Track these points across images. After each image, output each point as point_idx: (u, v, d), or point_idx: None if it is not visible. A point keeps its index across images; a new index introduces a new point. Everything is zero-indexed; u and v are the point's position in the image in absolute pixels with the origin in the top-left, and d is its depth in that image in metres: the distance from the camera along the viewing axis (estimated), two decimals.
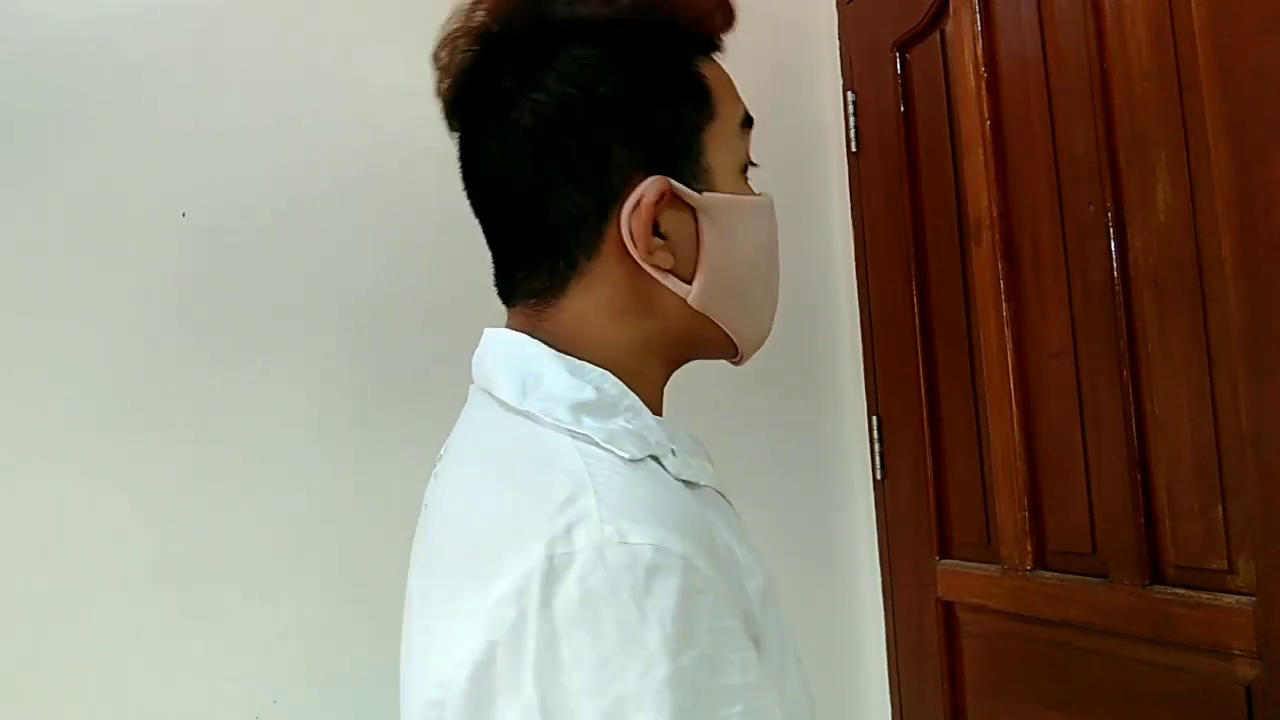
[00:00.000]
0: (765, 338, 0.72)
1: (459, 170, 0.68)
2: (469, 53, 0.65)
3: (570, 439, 0.57)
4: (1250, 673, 0.99)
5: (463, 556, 0.56)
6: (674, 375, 0.70)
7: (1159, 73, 1.09)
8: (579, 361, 0.63)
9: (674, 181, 0.62)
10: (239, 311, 1.42)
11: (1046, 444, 1.28)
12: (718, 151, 0.65)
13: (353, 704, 1.36)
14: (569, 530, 0.51)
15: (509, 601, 0.50)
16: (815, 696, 0.63)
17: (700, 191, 0.64)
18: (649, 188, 0.61)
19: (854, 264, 1.72)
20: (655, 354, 0.66)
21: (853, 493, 1.72)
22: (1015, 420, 1.32)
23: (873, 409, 1.68)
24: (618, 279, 0.63)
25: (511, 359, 0.64)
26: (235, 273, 1.43)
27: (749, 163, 0.68)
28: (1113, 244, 1.15)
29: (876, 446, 1.66)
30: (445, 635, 0.53)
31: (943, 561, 1.50)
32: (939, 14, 1.49)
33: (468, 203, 0.69)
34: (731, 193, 0.66)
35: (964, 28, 1.40)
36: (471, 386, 0.69)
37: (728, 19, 0.68)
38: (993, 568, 1.37)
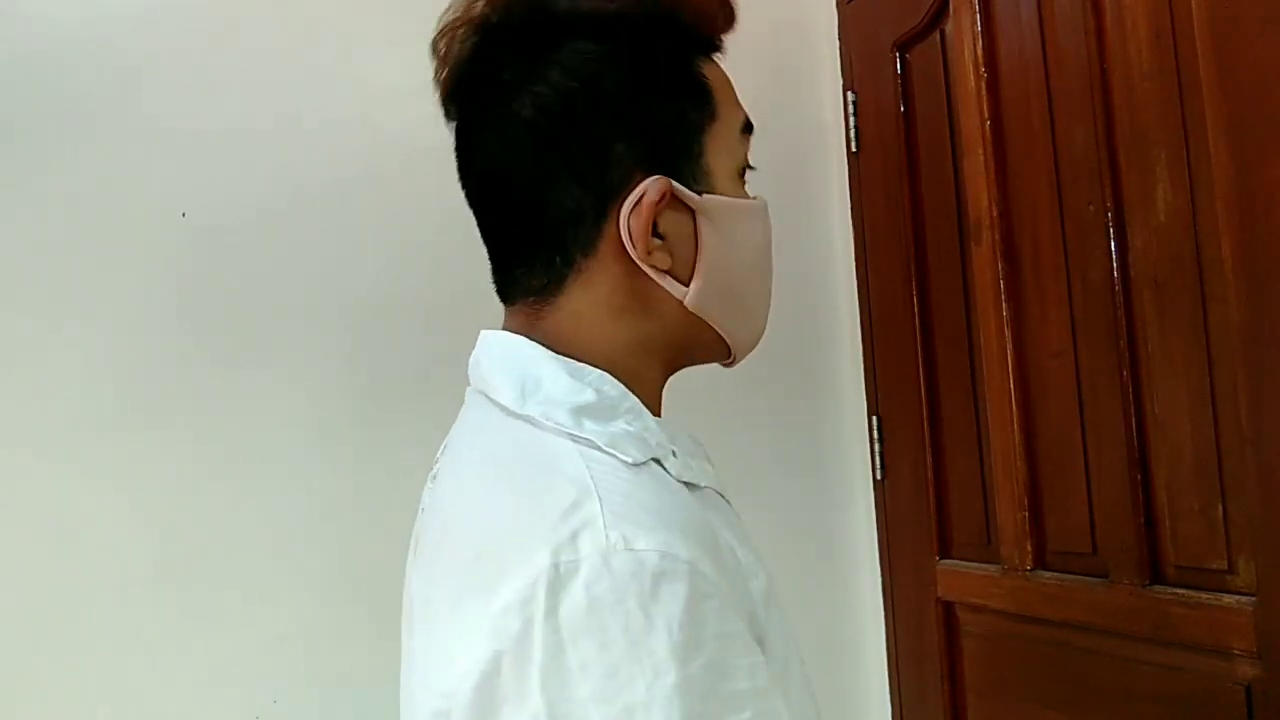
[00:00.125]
0: (758, 340, 0.71)
1: (455, 162, 0.67)
2: (468, 43, 0.64)
3: (572, 443, 0.57)
4: (1250, 673, 0.99)
5: (465, 564, 0.55)
6: (672, 376, 0.70)
7: (1159, 73, 1.09)
8: (578, 363, 0.62)
9: (675, 183, 0.62)
10: (239, 311, 1.42)
11: (1046, 444, 1.28)
12: (718, 154, 0.65)
13: (353, 704, 1.36)
14: (574, 537, 0.50)
15: (514, 610, 0.49)
16: (817, 696, 0.63)
17: (700, 193, 0.64)
18: (650, 187, 0.61)
19: (854, 264, 1.72)
20: (653, 355, 0.66)
21: (853, 493, 1.72)
22: (1015, 420, 1.31)
23: (873, 409, 1.68)
24: (615, 278, 0.63)
25: (509, 362, 0.63)
26: (235, 273, 1.43)
27: (747, 166, 0.68)
28: (1113, 244, 1.15)
29: (876, 446, 1.66)
30: (449, 644, 0.53)
31: (943, 561, 1.50)
32: (939, 14, 1.49)
33: (467, 204, 0.68)
34: (730, 196, 0.66)
35: (964, 28, 1.40)
36: (468, 389, 0.68)
37: (729, 19, 0.68)
38: (993, 568, 1.37)
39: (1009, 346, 1.33)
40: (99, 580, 1.33)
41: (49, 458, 1.33)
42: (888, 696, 1.63)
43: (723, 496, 0.68)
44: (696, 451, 0.68)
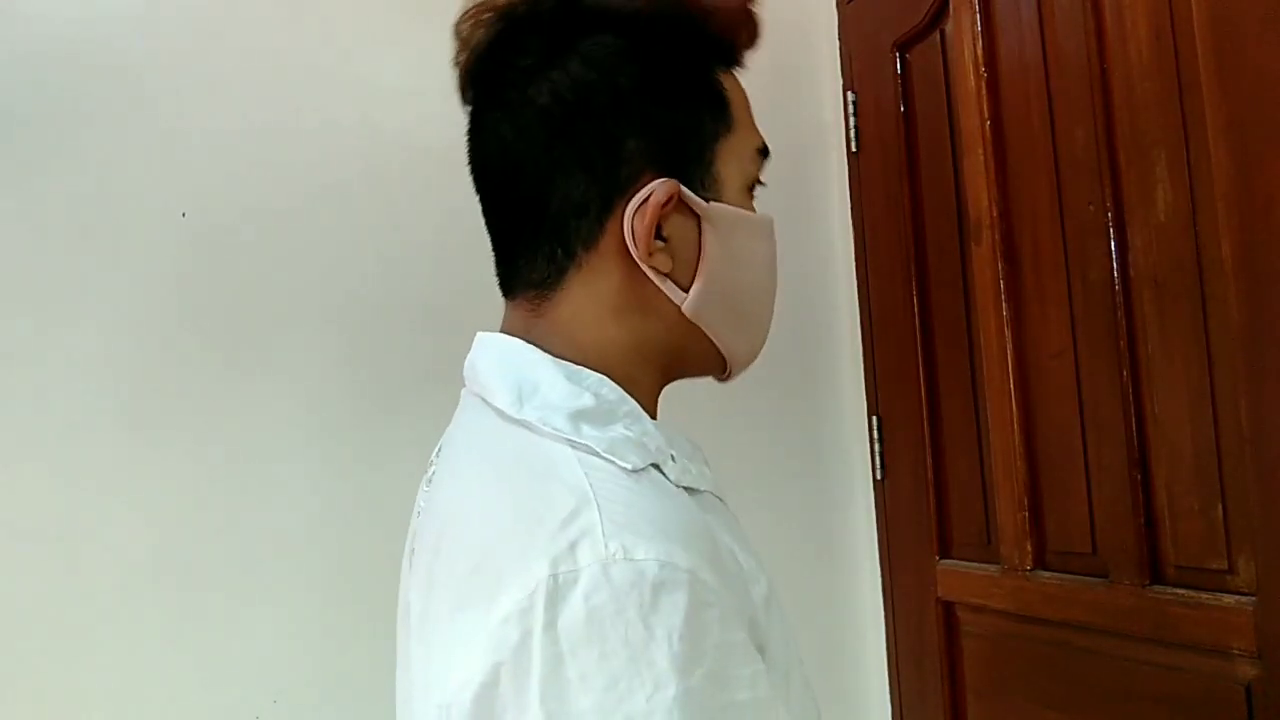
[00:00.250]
0: (755, 356, 0.71)
1: (466, 147, 0.67)
2: (492, 28, 0.64)
3: (570, 449, 0.57)
4: (1250, 673, 0.99)
5: (463, 572, 0.55)
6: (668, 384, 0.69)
7: (1159, 73, 1.09)
8: (576, 367, 0.62)
9: (683, 187, 0.62)
10: (239, 311, 1.42)
11: (1046, 444, 1.28)
12: (729, 165, 0.65)
13: (353, 704, 1.36)
14: (573, 547, 0.50)
15: (513, 621, 0.49)
16: (818, 699, 0.63)
17: (708, 200, 0.63)
18: (658, 188, 0.61)
19: (854, 264, 1.72)
20: (649, 361, 0.65)
21: (853, 493, 1.72)
22: (1015, 420, 1.32)
23: (873, 409, 1.68)
24: (616, 277, 0.63)
25: (506, 365, 0.63)
26: (235, 273, 1.43)
27: (758, 182, 0.68)
28: (1113, 244, 1.15)
29: (876, 446, 1.66)
30: (447, 654, 0.52)
31: (943, 561, 1.50)
32: (939, 14, 1.49)
33: (467, 203, 0.68)
34: (738, 208, 0.66)
35: (964, 28, 1.40)
36: (463, 390, 0.68)
37: (753, 37, 0.68)
38: (993, 568, 1.37)
39: (1009, 346, 1.33)
40: (99, 580, 1.33)
41: (49, 458, 1.33)
42: (888, 696, 1.63)
43: (721, 500, 0.68)
44: (695, 455, 0.67)
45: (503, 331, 0.66)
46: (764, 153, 0.68)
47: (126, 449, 1.36)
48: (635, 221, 0.61)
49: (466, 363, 0.67)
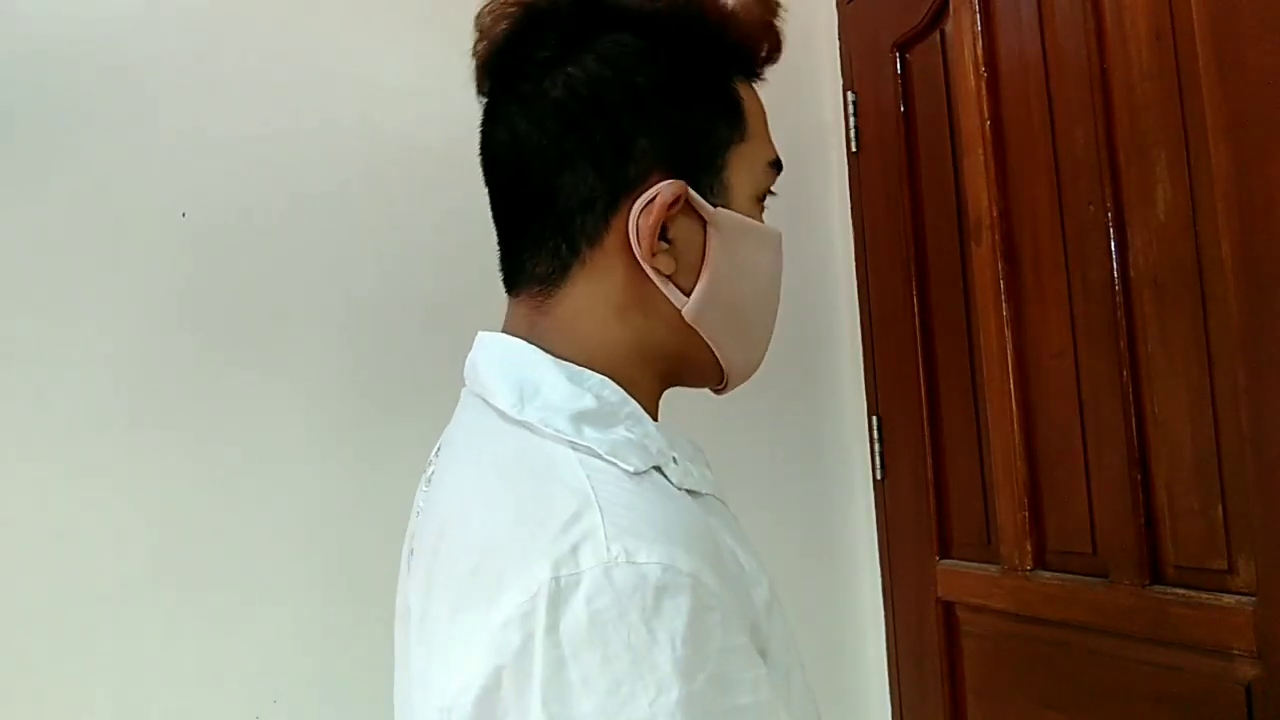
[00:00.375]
0: (754, 370, 0.71)
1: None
2: (511, 20, 0.65)
3: (571, 451, 0.56)
4: (1250, 673, 0.99)
5: (463, 573, 0.55)
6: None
7: (1159, 73, 1.09)
8: (577, 368, 0.62)
9: (691, 190, 0.62)
10: (239, 311, 1.42)
11: (1046, 444, 1.28)
12: (740, 173, 0.65)
13: (353, 704, 1.36)
14: (575, 550, 0.50)
15: (514, 625, 0.48)
16: (818, 700, 0.63)
17: (715, 206, 0.63)
18: (665, 189, 0.61)
19: (854, 264, 1.72)
20: (649, 364, 0.65)
21: (853, 493, 1.72)
22: (1015, 420, 1.32)
23: (873, 409, 1.68)
24: (618, 275, 0.63)
25: (508, 365, 0.63)
26: (235, 273, 1.43)
27: (769, 193, 0.68)
28: (1113, 244, 1.15)
29: (876, 446, 1.66)
30: (447, 655, 0.52)
31: (943, 561, 1.50)
32: (939, 14, 1.49)
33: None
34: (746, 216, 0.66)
35: (964, 28, 1.40)
36: (464, 389, 0.68)
37: (774, 50, 0.68)
38: (993, 568, 1.37)
39: (1009, 346, 1.33)
40: (99, 580, 1.33)
41: (49, 458, 1.33)
42: (888, 696, 1.63)
43: (723, 503, 0.68)
44: (697, 457, 0.67)
45: (505, 330, 0.66)
46: (777, 166, 0.68)
47: (126, 449, 1.36)
48: (640, 220, 0.61)
49: (467, 362, 0.67)
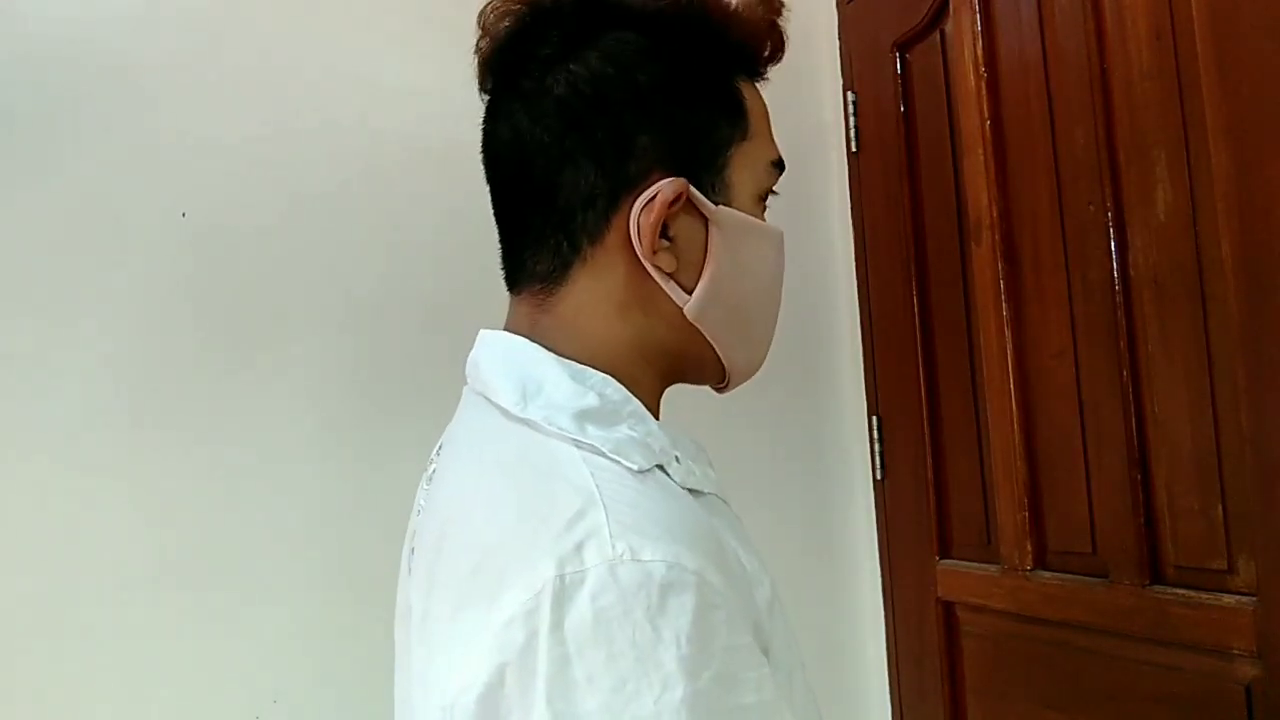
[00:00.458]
0: (756, 369, 0.71)
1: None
2: (515, 17, 0.65)
3: (575, 449, 0.56)
4: (1250, 673, 0.99)
5: (465, 571, 0.54)
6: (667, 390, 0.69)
7: (1159, 73, 1.09)
8: (580, 366, 0.61)
9: (692, 188, 0.62)
10: (239, 311, 1.42)
11: (1046, 444, 1.28)
12: (742, 172, 0.65)
13: (353, 704, 1.36)
14: (579, 548, 0.49)
15: (518, 622, 0.48)
16: (818, 700, 0.63)
17: (717, 204, 0.63)
18: (666, 187, 0.61)
19: (854, 264, 1.72)
20: (650, 362, 0.65)
21: (853, 493, 1.72)
22: (1015, 420, 1.32)
23: (873, 409, 1.68)
24: (620, 273, 0.63)
25: (510, 363, 0.63)
26: (235, 273, 1.43)
27: (770, 192, 0.68)
28: (1113, 244, 1.15)
29: (876, 446, 1.66)
30: (448, 654, 0.52)
31: (943, 561, 1.50)
32: (939, 14, 1.49)
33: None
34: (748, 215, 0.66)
35: (964, 28, 1.40)
36: (465, 388, 0.68)
37: (777, 49, 0.69)
38: (993, 568, 1.37)
39: (1009, 346, 1.33)
40: (99, 580, 1.33)
41: (49, 458, 1.33)
42: (888, 696, 1.63)
43: (725, 502, 0.68)
44: (699, 456, 0.67)
45: (506, 328, 0.66)
46: (779, 166, 0.68)
47: (126, 449, 1.36)
48: (641, 218, 0.61)
49: (469, 360, 0.67)
